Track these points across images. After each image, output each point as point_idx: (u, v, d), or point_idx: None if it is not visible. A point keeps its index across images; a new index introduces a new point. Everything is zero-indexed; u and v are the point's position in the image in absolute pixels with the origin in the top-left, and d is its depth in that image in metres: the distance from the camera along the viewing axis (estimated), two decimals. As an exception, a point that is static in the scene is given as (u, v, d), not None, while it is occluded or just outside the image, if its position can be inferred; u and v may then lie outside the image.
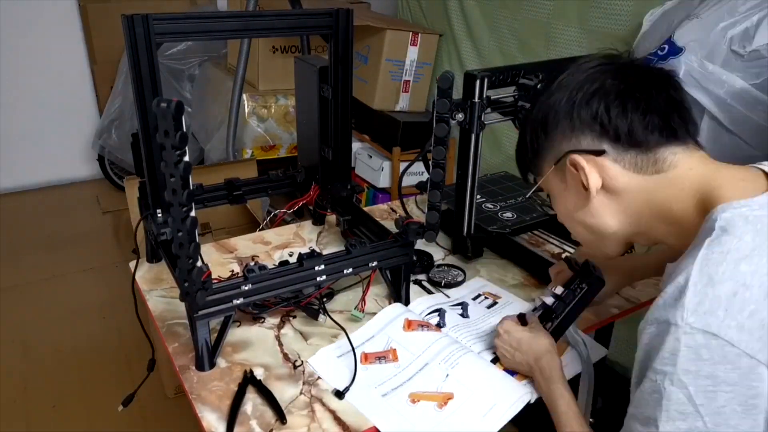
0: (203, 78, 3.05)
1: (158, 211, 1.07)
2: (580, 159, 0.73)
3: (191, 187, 0.78)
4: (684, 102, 0.73)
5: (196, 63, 3.09)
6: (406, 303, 1.10)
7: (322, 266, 0.97)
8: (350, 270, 1.00)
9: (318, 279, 0.98)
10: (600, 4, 1.77)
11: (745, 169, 0.72)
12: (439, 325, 1.04)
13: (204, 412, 0.85)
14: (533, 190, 0.85)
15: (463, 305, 1.10)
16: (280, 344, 0.99)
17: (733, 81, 1.24)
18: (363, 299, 1.06)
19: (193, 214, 0.80)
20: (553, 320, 0.96)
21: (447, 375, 0.91)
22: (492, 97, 1.12)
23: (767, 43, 1.21)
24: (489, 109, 1.13)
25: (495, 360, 0.97)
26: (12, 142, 3.17)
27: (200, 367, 0.92)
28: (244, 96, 2.58)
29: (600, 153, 0.72)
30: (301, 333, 1.02)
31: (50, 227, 2.93)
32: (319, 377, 0.92)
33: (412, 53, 2.55)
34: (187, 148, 0.75)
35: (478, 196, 1.29)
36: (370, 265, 1.02)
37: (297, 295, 1.02)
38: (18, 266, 2.57)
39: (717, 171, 0.71)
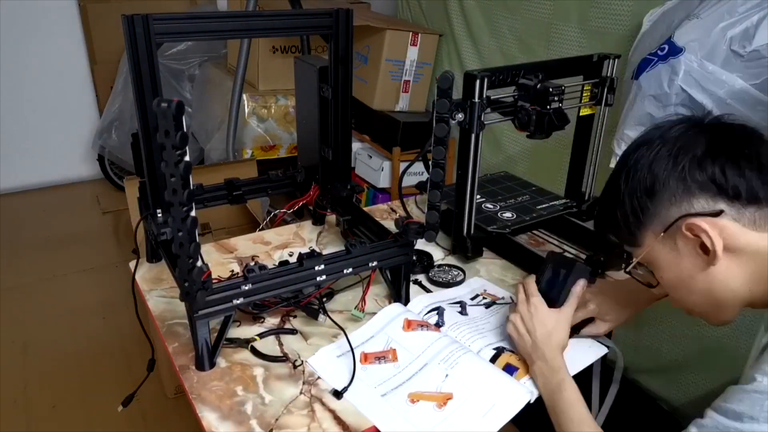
0: (203, 78, 3.05)
1: (158, 211, 1.07)
2: (702, 222, 0.71)
3: (191, 187, 0.78)
4: None
5: (196, 63, 3.09)
6: (406, 303, 1.10)
7: (322, 266, 0.97)
8: (350, 270, 1.00)
9: (318, 279, 0.98)
10: (600, 4, 1.77)
11: None
12: (438, 324, 1.04)
13: (204, 412, 0.85)
14: (634, 263, 0.82)
15: (462, 304, 1.11)
16: (280, 344, 0.99)
17: (733, 81, 1.24)
18: (363, 299, 1.06)
19: (193, 214, 0.80)
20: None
21: (446, 375, 0.91)
22: (492, 97, 1.12)
23: (767, 43, 1.21)
24: (489, 109, 1.12)
25: (494, 358, 0.97)
26: (12, 142, 3.17)
27: (200, 367, 0.92)
28: (244, 96, 2.58)
29: (718, 213, 0.71)
30: (301, 333, 1.02)
31: (50, 227, 2.93)
32: (319, 377, 0.92)
33: (412, 53, 2.55)
34: (187, 148, 0.75)
35: (478, 196, 1.29)
36: (370, 265, 1.02)
37: (297, 295, 1.02)
38: (18, 266, 2.57)
39: None
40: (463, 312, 1.08)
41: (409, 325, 1.02)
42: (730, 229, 0.71)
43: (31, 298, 2.38)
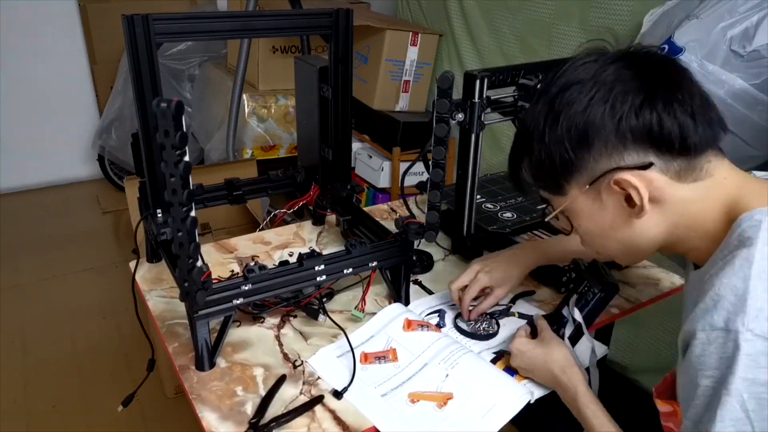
0: (203, 78, 3.05)
1: (158, 211, 1.07)
2: (631, 177, 0.69)
3: (191, 187, 0.78)
4: (708, 99, 0.70)
5: (196, 63, 3.09)
6: (406, 303, 1.10)
7: (322, 266, 0.97)
8: (350, 270, 1.00)
9: (318, 279, 0.98)
10: (601, 4, 1.77)
11: (763, 183, 0.71)
12: (439, 326, 1.04)
13: (204, 412, 0.85)
14: (554, 213, 0.80)
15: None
16: (280, 344, 0.99)
17: (733, 81, 1.24)
18: (363, 299, 1.06)
19: (193, 214, 0.80)
20: (566, 327, 0.95)
21: (447, 375, 0.91)
22: (492, 97, 1.12)
23: (767, 43, 1.21)
24: (489, 109, 1.12)
25: (495, 360, 0.97)
26: (12, 142, 3.17)
27: (200, 367, 0.92)
28: (244, 96, 2.58)
29: (648, 166, 0.69)
30: (301, 333, 1.02)
31: (50, 227, 2.93)
32: (319, 377, 0.92)
33: (412, 53, 2.55)
34: (187, 148, 0.75)
35: (478, 196, 1.29)
36: (370, 265, 1.02)
37: (297, 295, 1.02)
38: (18, 266, 2.57)
39: (745, 181, 0.71)
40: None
41: (409, 325, 1.02)
42: (657, 181, 0.69)
43: (31, 298, 2.38)
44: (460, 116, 1.08)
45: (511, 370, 0.94)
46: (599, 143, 0.70)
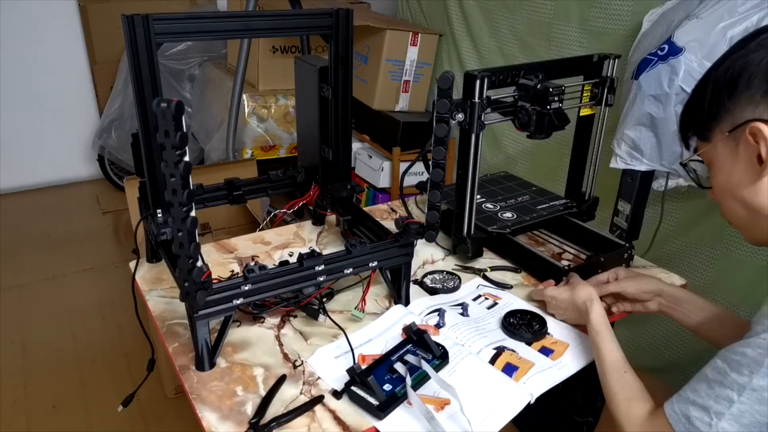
0: (203, 78, 3.05)
1: (158, 211, 1.07)
2: (765, 129, 0.69)
3: (191, 187, 0.78)
4: None
5: (196, 63, 3.09)
6: (406, 303, 1.10)
7: (322, 266, 0.97)
8: (350, 270, 1.00)
9: (318, 279, 0.98)
10: (600, 4, 1.77)
11: None
12: (438, 326, 1.04)
13: (204, 412, 0.85)
14: (692, 156, 0.80)
15: (464, 305, 1.10)
16: (280, 344, 0.99)
17: (733, 81, 1.24)
18: (363, 299, 1.06)
19: (193, 214, 0.80)
20: None
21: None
22: (492, 97, 1.12)
23: (767, 43, 1.20)
24: (489, 109, 1.12)
25: (495, 358, 0.97)
26: (12, 142, 3.17)
27: (200, 367, 0.92)
28: (244, 96, 2.58)
29: None
30: (301, 333, 1.02)
31: (50, 227, 2.93)
32: (319, 377, 0.92)
33: (412, 53, 2.55)
34: (187, 148, 0.75)
35: (478, 196, 1.29)
36: (370, 265, 1.02)
37: (297, 295, 1.02)
38: (18, 266, 2.57)
39: None
40: (464, 313, 1.08)
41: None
42: None
43: (31, 298, 2.38)
44: (460, 116, 1.08)
45: (510, 369, 0.94)
46: (748, 91, 0.70)
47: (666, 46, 1.32)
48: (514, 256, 1.26)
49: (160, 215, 1.07)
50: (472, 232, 1.23)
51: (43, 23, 3.05)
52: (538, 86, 1.10)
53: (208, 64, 3.06)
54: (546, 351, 0.99)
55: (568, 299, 1.03)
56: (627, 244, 1.22)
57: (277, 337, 1.01)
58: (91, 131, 3.24)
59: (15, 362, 2.01)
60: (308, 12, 1.16)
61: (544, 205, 1.38)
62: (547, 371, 0.95)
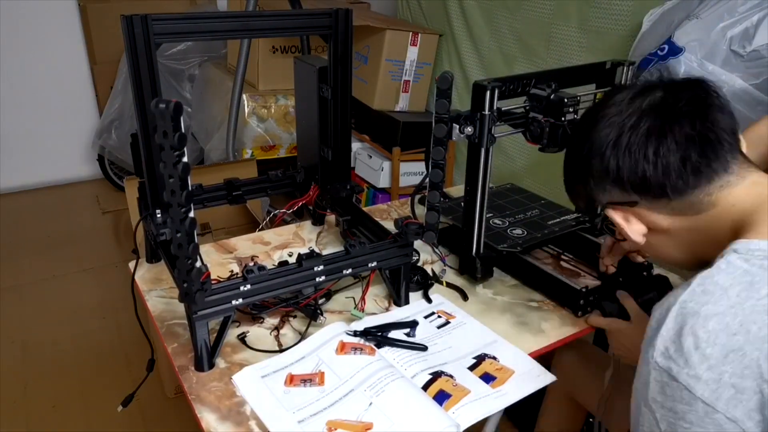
0: (203, 78, 3.04)
1: (157, 211, 1.07)
2: (614, 214, 0.76)
3: (190, 188, 0.78)
4: (708, 130, 0.69)
5: (196, 63, 3.09)
6: (406, 303, 1.10)
7: (322, 267, 0.97)
8: (349, 270, 1.00)
9: (317, 279, 0.98)
10: (600, 4, 1.77)
11: None
12: (379, 345, 0.98)
13: (203, 413, 0.85)
14: (602, 221, 0.89)
15: (412, 324, 1.04)
16: (280, 344, 0.99)
17: (733, 81, 1.24)
18: (363, 299, 1.06)
19: (192, 214, 0.79)
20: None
21: (370, 403, 0.86)
22: (502, 109, 1.06)
23: (767, 43, 1.20)
24: (499, 122, 1.06)
25: (430, 383, 0.91)
26: (12, 142, 3.17)
27: (199, 367, 0.92)
28: (244, 96, 2.58)
29: (633, 204, 0.74)
30: (300, 333, 1.02)
31: (50, 227, 2.93)
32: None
33: (412, 53, 2.55)
34: (185, 148, 0.75)
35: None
36: (369, 265, 1.02)
37: (296, 295, 1.02)
38: (18, 266, 2.57)
39: (762, 202, 0.69)
40: (410, 334, 1.03)
41: (342, 347, 0.96)
42: (648, 216, 0.74)
43: (31, 298, 2.38)
44: (469, 129, 1.02)
45: (442, 397, 0.88)
46: (595, 181, 0.76)
47: (666, 46, 1.32)
48: (526, 276, 1.19)
49: (159, 215, 1.07)
50: (482, 251, 1.16)
51: (43, 23, 3.05)
52: (552, 96, 1.03)
53: (208, 64, 3.06)
54: (487, 378, 0.93)
55: (637, 344, 0.91)
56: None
57: (277, 338, 1.01)
58: (91, 131, 3.24)
59: (15, 362, 2.01)
60: (308, 12, 1.15)
61: (555, 220, 1.30)
62: (481, 400, 0.88)
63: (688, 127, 0.69)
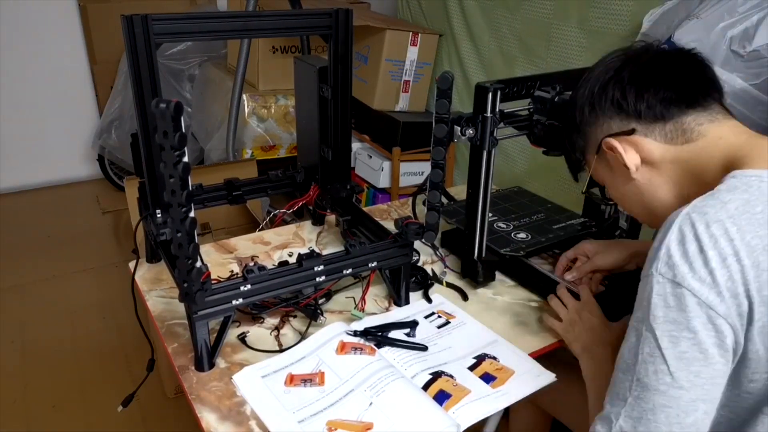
0: (203, 78, 3.05)
1: (158, 211, 1.07)
2: (614, 141, 0.80)
3: (190, 188, 0.78)
4: (701, 71, 0.78)
5: (196, 63, 3.09)
6: (406, 303, 1.10)
7: (322, 267, 0.97)
8: (350, 270, 1.00)
9: (317, 279, 0.98)
10: (600, 4, 1.77)
11: None
12: (379, 345, 0.98)
13: (203, 413, 0.85)
14: (587, 185, 0.93)
15: (412, 324, 1.04)
16: (280, 345, 0.99)
17: (733, 81, 1.24)
18: (363, 299, 1.06)
19: (192, 214, 0.79)
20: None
21: (371, 403, 0.86)
22: (505, 111, 1.05)
23: (767, 43, 1.21)
24: (502, 124, 1.05)
25: (430, 383, 0.91)
26: (12, 142, 3.17)
27: (199, 367, 0.92)
28: (244, 96, 2.58)
29: (631, 132, 0.79)
30: (300, 333, 1.02)
31: (50, 227, 2.93)
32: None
33: (412, 53, 2.55)
34: (186, 148, 0.75)
35: (490, 215, 1.17)
36: (369, 265, 1.02)
37: (296, 295, 1.02)
38: (18, 266, 2.57)
39: (748, 140, 0.75)
40: (410, 334, 1.02)
41: (342, 347, 0.96)
42: (643, 144, 0.79)
43: (31, 298, 2.38)
44: (470, 131, 1.02)
45: (442, 397, 0.88)
46: (589, 119, 0.83)
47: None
48: (528, 280, 1.17)
49: (159, 215, 1.07)
50: (484, 254, 1.15)
51: (43, 23, 3.05)
52: (556, 99, 1.01)
53: (208, 64, 3.06)
54: (488, 378, 0.92)
55: (597, 332, 0.95)
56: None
57: (277, 338, 1.01)
58: (91, 131, 3.24)
59: (15, 362, 2.01)
60: (308, 12, 1.15)
61: (560, 225, 1.29)
62: (482, 400, 0.88)
63: (682, 66, 0.79)
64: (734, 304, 0.63)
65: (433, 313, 1.09)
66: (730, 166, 0.72)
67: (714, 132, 0.76)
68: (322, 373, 0.92)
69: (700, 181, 0.75)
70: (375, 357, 0.95)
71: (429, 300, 1.13)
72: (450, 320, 1.07)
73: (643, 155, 0.79)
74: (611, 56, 0.83)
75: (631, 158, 0.79)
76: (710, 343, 0.64)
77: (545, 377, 0.94)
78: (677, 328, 0.65)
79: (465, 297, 1.14)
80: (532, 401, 1.21)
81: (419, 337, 1.02)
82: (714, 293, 0.63)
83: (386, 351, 0.97)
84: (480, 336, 1.03)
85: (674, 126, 0.77)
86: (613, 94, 0.79)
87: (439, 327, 1.05)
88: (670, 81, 0.77)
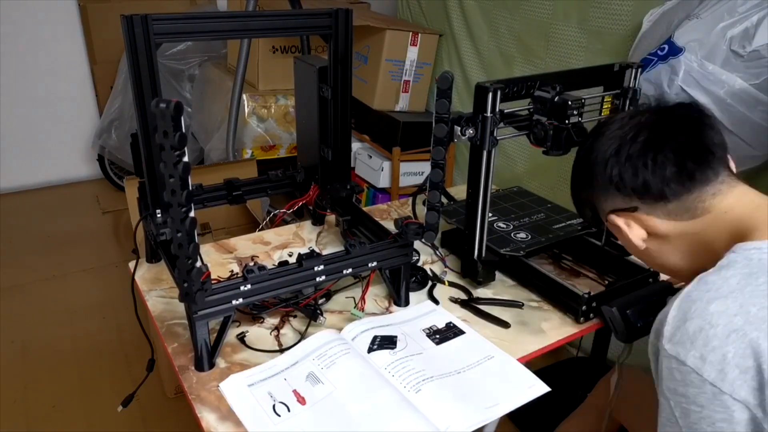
0: (203, 78, 3.05)
1: (158, 211, 1.07)
2: (617, 220, 0.82)
3: (190, 188, 0.78)
4: (701, 142, 0.76)
5: (196, 63, 3.09)
6: (406, 303, 1.10)
7: (322, 266, 0.97)
8: (350, 270, 1.00)
9: (317, 279, 0.98)
10: (600, 4, 1.77)
11: None
12: (370, 350, 0.97)
13: (203, 413, 0.85)
14: (604, 238, 0.97)
15: (399, 337, 1.00)
16: (280, 345, 0.99)
17: (733, 81, 1.24)
18: (362, 298, 1.06)
19: (192, 214, 0.79)
20: None
21: (360, 414, 0.85)
22: (505, 111, 1.05)
23: (767, 43, 1.20)
24: (502, 124, 1.05)
25: (421, 395, 0.89)
26: (12, 142, 3.17)
27: (199, 367, 0.92)
28: (244, 96, 2.58)
29: (634, 209, 0.80)
30: (300, 333, 1.02)
31: (50, 227, 2.93)
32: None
33: (412, 53, 2.55)
34: (186, 148, 0.75)
35: (490, 215, 1.18)
36: (369, 265, 1.02)
37: (296, 295, 1.02)
38: (18, 266, 2.57)
39: (756, 210, 0.74)
40: (389, 345, 0.99)
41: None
42: (650, 221, 0.79)
43: (31, 298, 2.38)
44: (470, 131, 1.02)
45: (435, 407, 0.86)
46: (597, 188, 0.83)
47: (666, 46, 1.32)
48: (528, 280, 1.18)
49: (159, 215, 1.07)
50: (483, 254, 1.15)
51: (43, 23, 3.05)
52: (556, 99, 1.02)
53: (208, 64, 3.06)
54: (482, 388, 0.91)
55: None
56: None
57: (277, 338, 1.01)
58: (91, 131, 3.24)
59: (15, 362, 2.01)
60: (308, 12, 1.15)
61: (560, 224, 1.28)
62: (475, 411, 0.87)
63: (683, 138, 0.76)
64: (743, 379, 0.62)
65: (431, 324, 1.06)
66: (738, 237, 0.72)
67: (719, 206, 0.76)
68: (300, 396, 0.89)
69: (711, 249, 0.76)
70: (365, 365, 0.93)
71: (436, 301, 1.12)
72: (447, 328, 1.05)
73: (648, 230, 0.80)
74: (616, 124, 0.81)
75: (636, 234, 0.80)
76: (718, 418, 0.64)
77: (538, 388, 0.92)
78: (686, 401, 0.66)
79: (469, 295, 1.14)
80: (605, 412, 1.18)
81: (415, 345, 1.00)
82: (715, 371, 0.63)
83: (377, 358, 0.96)
84: (476, 345, 1.01)
85: (677, 205, 0.77)
86: (612, 174, 0.79)
87: (436, 335, 1.03)
88: (669, 158, 0.76)
